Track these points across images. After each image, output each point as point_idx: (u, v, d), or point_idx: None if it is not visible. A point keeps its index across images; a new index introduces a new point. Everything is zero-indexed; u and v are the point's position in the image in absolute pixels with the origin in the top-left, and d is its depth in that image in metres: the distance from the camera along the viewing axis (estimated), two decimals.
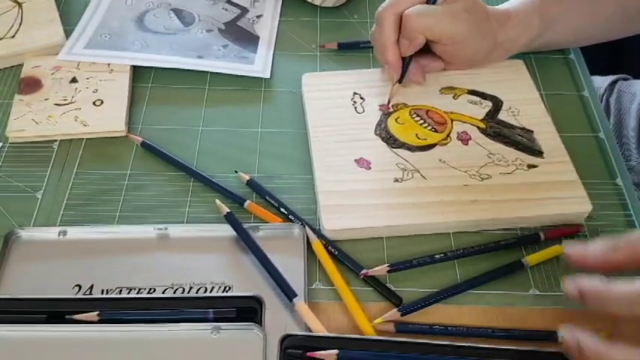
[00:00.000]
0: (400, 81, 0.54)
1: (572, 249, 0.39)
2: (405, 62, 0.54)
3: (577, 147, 0.52)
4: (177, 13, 0.64)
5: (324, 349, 0.38)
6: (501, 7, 0.56)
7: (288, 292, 0.42)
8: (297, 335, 0.39)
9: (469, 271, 0.45)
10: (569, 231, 0.48)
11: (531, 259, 0.45)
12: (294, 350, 0.39)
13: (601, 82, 0.80)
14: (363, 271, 0.44)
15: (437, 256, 0.45)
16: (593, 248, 0.38)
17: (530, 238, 0.47)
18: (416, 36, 0.51)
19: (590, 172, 0.51)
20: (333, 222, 0.46)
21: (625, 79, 0.84)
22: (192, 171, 0.50)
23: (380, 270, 0.44)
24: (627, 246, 0.37)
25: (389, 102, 0.54)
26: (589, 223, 0.48)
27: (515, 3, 0.56)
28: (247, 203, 0.48)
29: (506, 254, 0.46)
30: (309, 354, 0.38)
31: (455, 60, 0.55)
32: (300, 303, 0.41)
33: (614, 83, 0.79)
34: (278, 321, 0.41)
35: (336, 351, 0.38)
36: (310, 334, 0.40)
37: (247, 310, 0.40)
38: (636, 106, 0.76)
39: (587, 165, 0.52)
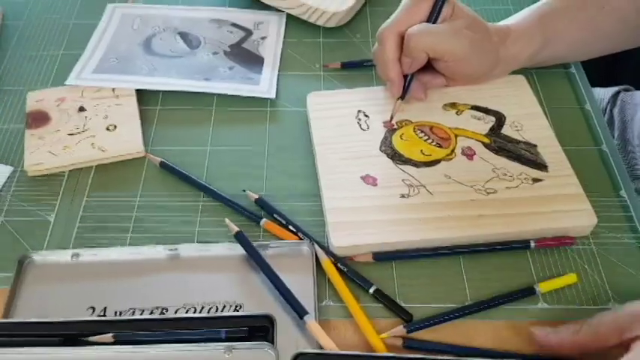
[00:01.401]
0: (402, 98, 0.55)
1: (539, 332, 0.41)
2: (407, 79, 0.55)
3: (580, 160, 0.53)
4: (184, 36, 0.65)
5: None
6: (502, 23, 0.57)
7: (298, 310, 0.42)
8: (308, 353, 0.40)
9: (475, 271, 0.47)
10: (560, 242, 0.48)
11: (544, 286, 0.45)
12: None
13: (603, 93, 0.81)
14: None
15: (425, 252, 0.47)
16: (558, 331, 0.41)
17: (521, 243, 0.48)
18: (418, 54, 0.52)
19: (594, 184, 0.52)
20: (341, 239, 0.47)
21: (627, 90, 0.85)
22: (210, 190, 0.51)
23: (365, 257, 0.47)
24: (589, 329, 0.39)
25: (392, 118, 0.55)
26: (594, 237, 0.49)
27: (516, 19, 0.57)
28: (263, 221, 0.49)
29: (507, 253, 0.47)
30: None
31: (457, 76, 0.56)
32: (310, 321, 0.42)
33: (616, 94, 0.80)
34: (289, 339, 0.42)
35: None
36: (322, 351, 0.40)
37: (259, 329, 0.41)
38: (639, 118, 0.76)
39: (591, 178, 0.52)
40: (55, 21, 0.67)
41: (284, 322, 0.42)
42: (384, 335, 0.43)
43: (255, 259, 0.46)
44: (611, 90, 0.80)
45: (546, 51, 0.58)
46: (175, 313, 0.43)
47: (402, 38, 0.53)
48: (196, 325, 0.40)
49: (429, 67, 0.55)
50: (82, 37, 0.65)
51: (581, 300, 0.45)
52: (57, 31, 0.66)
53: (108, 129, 0.54)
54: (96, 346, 0.39)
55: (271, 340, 0.40)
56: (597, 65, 0.67)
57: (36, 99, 0.57)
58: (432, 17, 0.52)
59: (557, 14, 0.57)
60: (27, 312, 0.43)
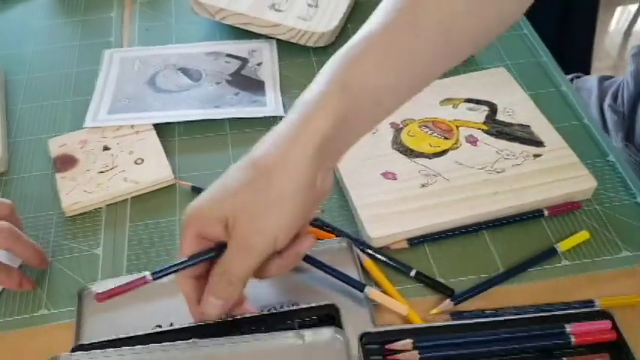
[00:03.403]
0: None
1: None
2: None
3: (568, 135, 0.59)
4: (185, 71, 0.69)
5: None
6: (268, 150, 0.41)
7: (357, 286, 0.47)
8: (374, 332, 0.43)
9: (500, 243, 0.51)
10: (570, 207, 0.53)
11: (563, 245, 0.50)
12: (373, 346, 0.43)
13: None
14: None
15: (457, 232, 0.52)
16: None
17: (535, 212, 0.53)
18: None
19: (585, 154, 0.58)
20: (376, 230, 0.51)
21: (578, 77, 0.93)
22: None
23: (400, 244, 0.50)
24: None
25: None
26: (596, 199, 0.55)
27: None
28: None
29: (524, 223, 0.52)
30: (387, 346, 0.42)
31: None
32: (372, 290, 0.46)
33: (570, 81, 0.88)
34: (346, 323, 0.45)
35: (411, 340, 0.42)
36: (386, 328, 0.44)
37: (325, 319, 0.44)
38: (594, 99, 0.84)
39: (581, 148, 0.58)
40: (58, 71, 0.70)
41: (343, 308, 0.45)
42: (434, 311, 0.47)
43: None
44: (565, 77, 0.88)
45: (362, 114, 0.42)
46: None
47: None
48: (271, 321, 0.43)
49: None
50: (87, 84, 0.67)
51: (597, 253, 0.50)
52: (61, 80, 0.69)
53: (136, 162, 0.57)
54: (173, 344, 0.41)
55: (339, 325, 0.43)
56: None
57: (59, 144, 0.59)
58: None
59: (359, 64, 0.41)
60: (95, 339, 0.45)
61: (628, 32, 1.86)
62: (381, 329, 0.44)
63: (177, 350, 0.41)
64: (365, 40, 0.42)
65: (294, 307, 0.44)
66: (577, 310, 0.43)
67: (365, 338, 0.43)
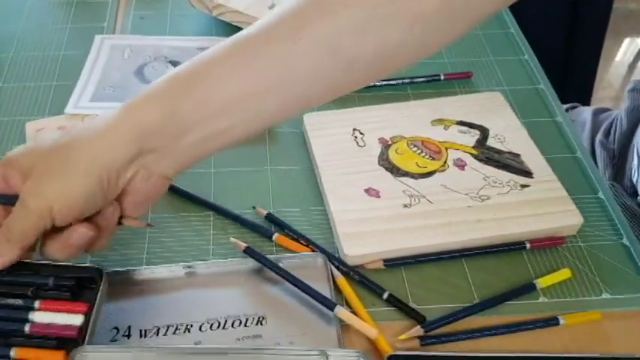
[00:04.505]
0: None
1: None
2: None
3: (559, 167, 0.57)
4: (175, 64, 0.67)
5: None
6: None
7: (327, 304, 0.45)
8: (401, 355, 0.42)
9: (478, 272, 0.50)
10: (553, 242, 0.52)
11: (543, 281, 0.49)
12: None
13: None
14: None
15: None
16: None
17: (517, 244, 0.51)
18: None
19: (574, 188, 0.56)
20: (353, 248, 0.49)
21: (574, 107, 0.92)
22: (220, 209, 0.53)
23: (375, 264, 0.49)
24: None
25: None
26: (581, 235, 0.53)
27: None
28: (275, 236, 0.51)
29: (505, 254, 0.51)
30: None
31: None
32: (342, 310, 0.45)
33: (566, 111, 0.87)
34: (317, 341, 0.44)
35: None
36: (414, 353, 0.43)
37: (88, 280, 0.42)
38: (587, 132, 0.83)
39: (571, 182, 0.56)
40: (45, 53, 0.68)
41: (310, 325, 0.45)
42: (403, 337, 0.45)
43: (272, 269, 0.47)
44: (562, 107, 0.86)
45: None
46: (200, 328, 0.44)
47: None
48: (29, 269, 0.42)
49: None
50: (73, 69, 0.66)
51: (577, 293, 0.49)
52: (47, 63, 0.67)
53: None
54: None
55: (97, 292, 0.41)
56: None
57: (36, 128, 0.57)
58: None
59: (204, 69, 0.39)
60: None
61: (633, 65, 1.86)
62: (410, 353, 0.43)
63: (188, 354, 0.40)
64: (230, 43, 0.39)
65: (57, 263, 0.42)
66: None
67: None
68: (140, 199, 0.41)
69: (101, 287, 0.42)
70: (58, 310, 0.40)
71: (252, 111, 0.39)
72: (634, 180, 0.70)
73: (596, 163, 0.77)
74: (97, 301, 0.41)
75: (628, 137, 0.73)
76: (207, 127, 0.39)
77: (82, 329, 0.40)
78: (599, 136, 0.76)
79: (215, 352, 0.39)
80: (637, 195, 0.68)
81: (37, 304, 0.41)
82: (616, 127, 0.76)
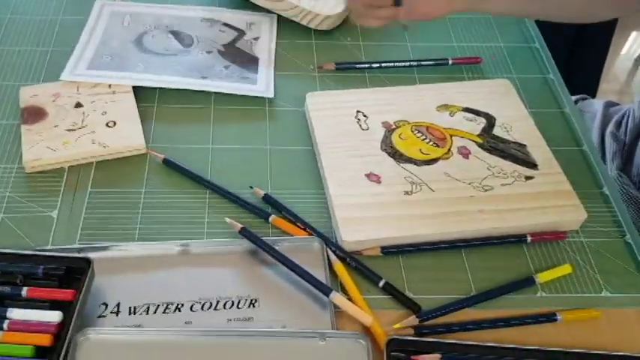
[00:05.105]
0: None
1: None
2: None
3: (565, 159, 0.56)
4: (176, 34, 0.65)
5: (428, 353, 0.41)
6: None
7: (323, 289, 0.44)
8: (401, 339, 0.42)
9: (477, 264, 0.49)
10: (554, 237, 0.51)
11: (542, 276, 0.48)
12: (399, 354, 0.41)
13: None
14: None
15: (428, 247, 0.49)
16: None
17: (518, 237, 0.50)
18: None
19: (579, 182, 0.55)
20: (350, 234, 0.48)
21: (584, 99, 0.91)
22: (217, 187, 0.51)
23: (373, 250, 0.48)
24: None
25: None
26: (583, 230, 0.52)
27: None
28: (272, 218, 0.49)
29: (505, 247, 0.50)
30: (413, 357, 0.41)
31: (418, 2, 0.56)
32: (337, 296, 0.44)
33: (575, 103, 0.85)
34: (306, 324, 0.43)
35: (439, 355, 0.41)
36: (414, 338, 0.43)
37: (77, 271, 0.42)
38: (597, 124, 0.82)
39: (576, 175, 0.55)
40: (43, 17, 0.66)
41: (303, 310, 0.44)
42: (397, 325, 0.44)
43: (267, 251, 0.46)
44: (571, 99, 0.85)
45: None
46: (191, 308, 0.43)
47: None
48: (20, 260, 0.42)
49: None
50: (70, 34, 0.63)
51: (576, 289, 0.48)
52: (45, 27, 0.65)
53: (107, 125, 0.54)
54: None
55: (85, 281, 0.41)
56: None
57: (30, 94, 0.56)
58: None
59: None
60: None
61: (636, 64, 1.84)
62: (410, 338, 0.43)
63: (192, 336, 0.40)
64: None
65: (47, 254, 0.42)
66: None
67: (392, 344, 0.41)
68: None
69: (88, 276, 0.41)
70: (44, 298, 0.40)
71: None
72: (638, 166, 0.69)
73: (604, 153, 0.76)
74: (84, 290, 0.40)
75: (639, 130, 0.73)
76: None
77: (61, 325, 0.39)
78: (610, 127, 0.76)
79: (214, 334, 0.40)
80: None
81: (24, 291, 0.40)
82: (628, 120, 0.75)
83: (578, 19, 0.67)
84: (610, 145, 0.77)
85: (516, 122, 0.59)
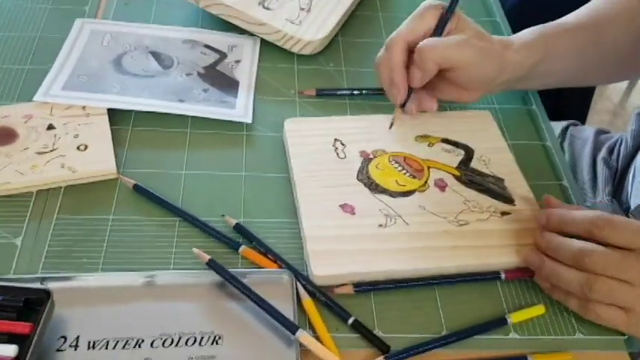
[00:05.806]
0: (403, 106, 0.58)
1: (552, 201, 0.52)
2: (409, 91, 0.57)
3: (543, 194, 0.55)
4: (156, 56, 0.64)
5: None
6: (504, 37, 0.61)
7: (289, 327, 0.43)
8: None
9: (449, 302, 0.48)
10: (529, 274, 0.50)
11: (515, 317, 0.47)
12: None
13: (553, 127, 0.85)
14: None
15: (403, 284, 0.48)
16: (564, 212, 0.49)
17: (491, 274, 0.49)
18: (431, 66, 0.55)
19: None
20: (322, 268, 0.47)
21: (575, 125, 0.90)
22: (187, 215, 0.50)
23: (345, 288, 0.47)
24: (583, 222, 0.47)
25: (391, 126, 0.58)
26: None
27: (517, 35, 0.61)
28: (242, 249, 0.48)
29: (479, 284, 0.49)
30: None
31: (470, 84, 0.58)
32: (303, 334, 0.42)
33: (566, 129, 0.85)
34: None
35: None
36: None
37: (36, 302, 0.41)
38: (588, 151, 0.81)
39: None
40: (20, 33, 0.65)
41: (268, 348, 0.43)
42: None
43: (234, 285, 0.45)
44: (561, 124, 0.85)
45: (546, 64, 0.60)
46: (152, 344, 0.42)
47: (409, 46, 0.56)
48: None
49: (425, 87, 0.58)
50: (48, 52, 0.63)
51: (549, 331, 0.47)
52: (22, 43, 0.64)
53: (78, 149, 0.53)
54: None
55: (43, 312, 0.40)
56: (544, 101, 0.71)
57: (2, 115, 0.55)
58: (439, 29, 0.56)
59: (559, 32, 0.60)
60: None
61: (630, 86, 1.84)
62: None
63: None
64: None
65: (2, 284, 0.41)
66: None
67: None
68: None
69: (47, 309, 0.40)
70: (0, 331, 0.39)
71: (571, 70, 0.63)
72: (628, 193, 0.69)
73: (596, 179, 0.76)
74: (41, 323, 0.39)
75: (631, 158, 0.73)
76: (549, 72, 0.62)
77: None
78: (602, 153, 0.76)
79: None
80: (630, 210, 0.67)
81: None
82: (620, 147, 0.75)
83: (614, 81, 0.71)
84: (602, 171, 0.77)
85: (495, 155, 0.58)
